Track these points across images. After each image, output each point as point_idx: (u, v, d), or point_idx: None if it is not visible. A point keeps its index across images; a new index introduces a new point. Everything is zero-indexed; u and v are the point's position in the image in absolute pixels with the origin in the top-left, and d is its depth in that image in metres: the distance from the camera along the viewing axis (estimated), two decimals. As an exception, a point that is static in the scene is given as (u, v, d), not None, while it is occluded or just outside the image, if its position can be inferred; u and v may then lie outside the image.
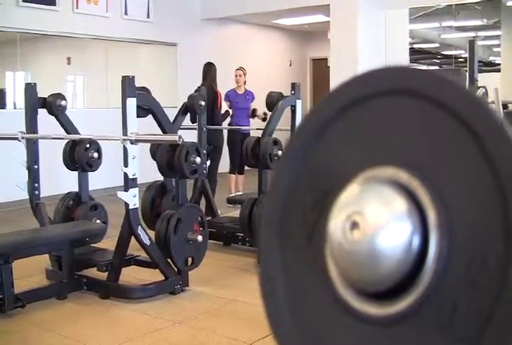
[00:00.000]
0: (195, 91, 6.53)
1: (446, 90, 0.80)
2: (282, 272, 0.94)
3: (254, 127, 7.94)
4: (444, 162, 0.79)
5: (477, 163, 0.75)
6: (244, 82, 8.95)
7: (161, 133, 4.93)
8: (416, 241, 0.78)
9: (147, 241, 4.58)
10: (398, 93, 0.86)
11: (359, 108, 0.91)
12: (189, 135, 5.59)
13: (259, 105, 7.64)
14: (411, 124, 0.85)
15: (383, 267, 0.78)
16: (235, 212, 6.69)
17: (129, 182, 4.48)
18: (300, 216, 0.94)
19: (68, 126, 5.42)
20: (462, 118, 0.78)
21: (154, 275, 4.75)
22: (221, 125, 8.30)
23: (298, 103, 5.82)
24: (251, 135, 7.54)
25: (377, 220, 0.79)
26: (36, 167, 5.26)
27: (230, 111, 8.62)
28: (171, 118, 5.33)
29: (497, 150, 0.73)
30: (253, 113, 8.73)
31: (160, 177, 5.48)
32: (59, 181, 7.34)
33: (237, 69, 8.97)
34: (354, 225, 0.81)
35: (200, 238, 4.75)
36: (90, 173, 5.48)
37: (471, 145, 0.76)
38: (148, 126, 4.93)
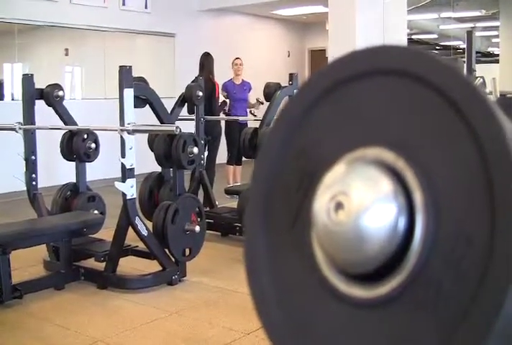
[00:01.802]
0: (193, 82, 6.52)
1: (434, 69, 0.79)
2: (267, 257, 0.93)
3: (252, 118, 7.93)
4: (432, 143, 0.79)
5: (464, 144, 0.75)
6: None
7: (158, 123, 4.93)
8: (402, 222, 0.78)
9: (144, 232, 4.59)
10: (383, 73, 0.86)
11: (343, 89, 0.90)
12: (186, 126, 5.58)
13: (257, 95, 7.64)
14: (398, 104, 0.84)
15: (369, 247, 0.78)
16: (233, 203, 6.70)
17: (126, 173, 4.49)
18: (285, 199, 0.93)
19: (66, 117, 5.43)
20: (449, 97, 0.77)
21: (152, 266, 4.75)
22: (218, 116, 8.29)
23: (296, 94, 5.81)
24: (248, 126, 7.57)
25: (362, 200, 0.79)
26: (33, 157, 5.26)
27: (227, 101, 8.63)
28: (169, 109, 5.33)
29: (484, 130, 0.73)
30: (250, 107, 8.74)
31: (158, 168, 5.48)
32: (56, 172, 7.35)
33: (236, 58, 8.97)
34: (339, 205, 0.80)
35: (197, 228, 4.76)
36: (88, 164, 5.49)
37: (458, 125, 0.76)
38: (146, 116, 4.93)
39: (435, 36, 18.86)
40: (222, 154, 8.75)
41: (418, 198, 0.79)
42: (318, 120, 0.93)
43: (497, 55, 15.70)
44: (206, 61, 8.27)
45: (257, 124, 5.88)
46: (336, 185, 0.83)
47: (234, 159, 8.79)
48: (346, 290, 0.84)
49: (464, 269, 0.73)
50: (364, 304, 0.82)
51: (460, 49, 18.08)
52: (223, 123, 8.53)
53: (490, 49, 20.49)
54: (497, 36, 16.07)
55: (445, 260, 0.75)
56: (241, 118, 8.40)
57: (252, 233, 0.95)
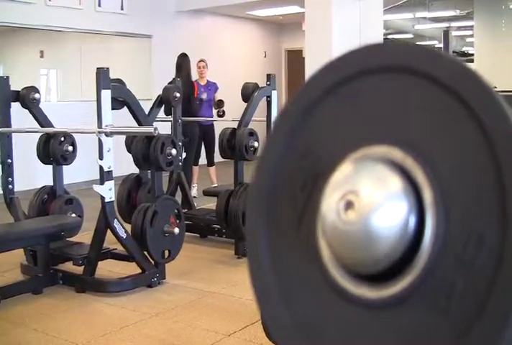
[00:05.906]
0: (170, 83, 6.48)
1: (438, 64, 0.79)
2: (271, 256, 0.92)
3: (230, 118, 7.90)
4: (439, 140, 0.78)
5: (473, 139, 0.74)
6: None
7: (136, 125, 4.90)
8: (412, 221, 0.77)
9: (123, 234, 4.55)
10: (385, 70, 0.85)
11: (345, 87, 0.89)
12: (163, 127, 5.55)
13: (235, 96, 7.62)
14: (402, 101, 0.83)
15: (379, 247, 0.78)
16: (211, 204, 6.67)
17: (104, 175, 4.45)
18: (289, 200, 0.92)
19: (42, 120, 5.37)
20: (455, 92, 0.76)
21: (131, 268, 4.72)
22: (196, 116, 8.23)
23: (274, 94, 5.82)
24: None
25: (372, 199, 0.79)
26: (10, 161, 5.20)
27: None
28: (145, 111, 5.29)
29: (493, 125, 0.72)
30: (218, 106, 8.57)
31: (136, 170, 5.44)
32: (33, 175, 7.28)
33: (200, 61, 8.79)
34: (349, 205, 0.79)
35: (176, 230, 4.73)
36: (68, 166, 5.44)
37: (466, 121, 0.75)
38: (123, 118, 4.89)
39: (410, 36, 18.96)
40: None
41: (427, 196, 0.78)
42: (320, 119, 0.92)
43: (472, 55, 15.82)
44: (184, 62, 8.21)
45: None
46: (345, 184, 0.82)
47: (197, 159, 8.62)
48: (354, 291, 0.84)
49: (477, 268, 0.73)
50: (374, 305, 0.82)
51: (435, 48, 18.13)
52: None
53: (464, 49, 20.63)
54: (471, 35, 16.19)
55: (457, 259, 0.75)
56: (209, 119, 8.31)
57: (255, 233, 0.94)
